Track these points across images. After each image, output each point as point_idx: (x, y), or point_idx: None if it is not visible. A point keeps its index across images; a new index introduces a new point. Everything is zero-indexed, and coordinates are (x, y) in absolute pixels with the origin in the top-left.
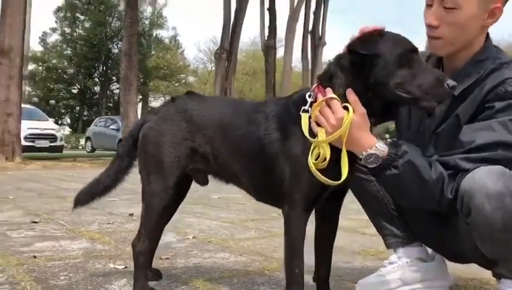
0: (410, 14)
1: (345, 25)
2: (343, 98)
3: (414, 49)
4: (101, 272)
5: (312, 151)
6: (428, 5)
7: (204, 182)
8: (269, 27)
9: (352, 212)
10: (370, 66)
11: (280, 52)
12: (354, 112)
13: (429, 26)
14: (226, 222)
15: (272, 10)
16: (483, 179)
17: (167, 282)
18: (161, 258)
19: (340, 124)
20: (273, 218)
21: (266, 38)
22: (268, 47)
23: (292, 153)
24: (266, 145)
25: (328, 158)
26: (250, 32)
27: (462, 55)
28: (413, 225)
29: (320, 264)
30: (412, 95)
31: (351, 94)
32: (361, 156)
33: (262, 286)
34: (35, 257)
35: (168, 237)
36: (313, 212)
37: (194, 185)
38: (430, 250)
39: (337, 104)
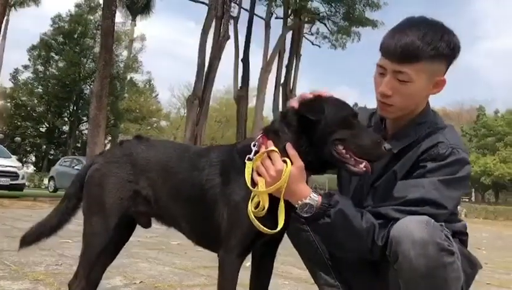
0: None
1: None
2: (284, 152)
3: (355, 114)
4: None
5: (252, 200)
6: (381, 74)
7: (147, 225)
8: (242, 77)
9: (302, 262)
10: (314, 126)
11: (253, 101)
12: (292, 164)
13: (382, 95)
14: (178, 268)
15: (246, 61)
16: (410, 227)
17: None
18: None
19: (279, 176)
20: None
21: (239, 88)
22: (241, 96)
23: (232, 199)
24: (207, 190)
25: (266, 207)
26: (225, 80)
27: (405, 116)
28: (347, 275)
29: None
30: (351, 153)
31: (290, 148)
32: (296, 205)
33: None
34: None
35: (115, 280)
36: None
37: (153, 230)
38: None
39: (277, 156)
